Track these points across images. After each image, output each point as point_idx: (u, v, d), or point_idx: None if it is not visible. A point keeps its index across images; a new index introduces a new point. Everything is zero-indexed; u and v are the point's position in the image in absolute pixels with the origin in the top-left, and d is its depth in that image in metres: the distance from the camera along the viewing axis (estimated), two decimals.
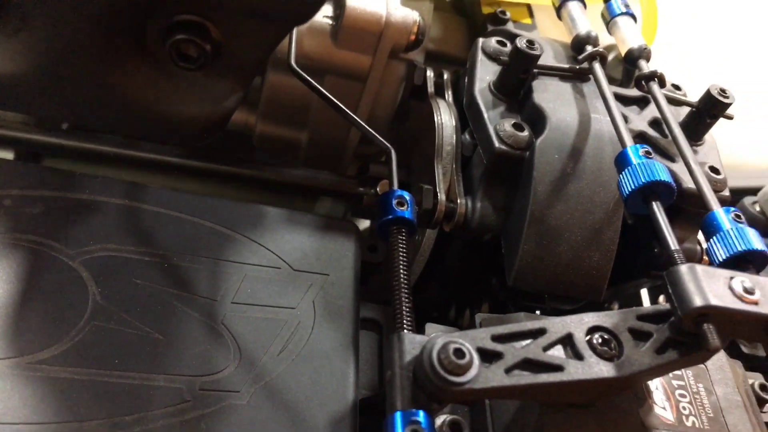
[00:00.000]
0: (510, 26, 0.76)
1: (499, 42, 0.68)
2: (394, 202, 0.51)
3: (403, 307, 0.45)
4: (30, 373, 0.47)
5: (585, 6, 0.70)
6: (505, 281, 0.60)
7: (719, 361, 0.54)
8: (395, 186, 0.54)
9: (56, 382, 0.47)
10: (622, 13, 0.70)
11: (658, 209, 0.49)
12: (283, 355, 0.54)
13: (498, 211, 0.60)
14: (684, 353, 0.44)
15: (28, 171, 0.58)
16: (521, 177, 0.59)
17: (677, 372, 0.52)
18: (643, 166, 0.50)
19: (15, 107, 0.53)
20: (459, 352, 0.39)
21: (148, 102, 0.46)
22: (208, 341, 0.52)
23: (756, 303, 0.43)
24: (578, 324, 0.45)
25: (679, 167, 0.61)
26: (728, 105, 0.64)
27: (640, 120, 0.65)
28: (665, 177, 0.50)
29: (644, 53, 0.65)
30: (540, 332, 0.43)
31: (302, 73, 0.57)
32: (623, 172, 0.51)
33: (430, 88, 0.70)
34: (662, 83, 0.63)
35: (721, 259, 0.48)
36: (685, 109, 0.68)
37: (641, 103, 0.68)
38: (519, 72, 0.61)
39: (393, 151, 0.57)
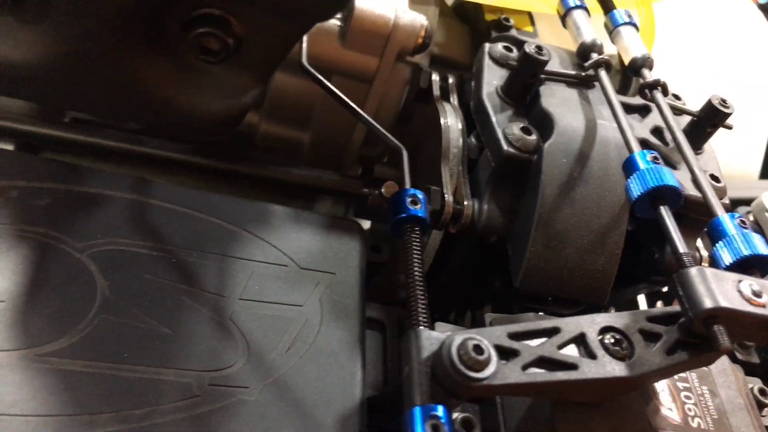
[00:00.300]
0: (514, 33, 0.77)
1: (505, 47, 0.69)
2: (408, 200, 0.52)
3: (419, 304, 0.45)
4: (38, 365, 0.46)
5: (589, 14, 0.72)
6: (509, 283, 0.60)
7: (722, 364, 0.55)
8: (408, 185, 0.55)
9: (65, 375, 0.46)
10: (625, 23, 0.71)
11: (666, 213, 0.50)
12: (291, 352, 0.54)
13: (504, 213, 0.61)
14: (693, 354, 0.45)
15: (34, 162, 0.57)
16: (528, 180, 0.60)
17: (682, 374, 0.53)
18: (651, 170, 0.51)
19: (29, 97, 0.53)
20: (478, 349, 0.39)
21: (165, 95, 0.46)
22: (216, 337, 0.52)
23: (764, 306, 0.44)
24: (590, 324, 0.45)
25: (680, 175, 0.62)
26: (728, 115, 0.65)
27: (642, 128, 0.66)
28: (673, 182, 0.51)
29: (647, 62, 0.66)
30: (554, 331, 0.44)
31: (315, 72, 0.58)
32: (631, 177, 0.52)
33: (436, 92, 0.70)
34: (665, 92, 0.64)
35: (727, 264, 0.49)
36: (685, 119, 0.69)
37: (642, 111, 0.69)
38: (527, 77, 0.62)
39: (405, 151, 0.57)
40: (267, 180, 0.72)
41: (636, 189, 0.51)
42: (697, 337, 0.45)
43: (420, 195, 0.53)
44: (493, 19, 0.79)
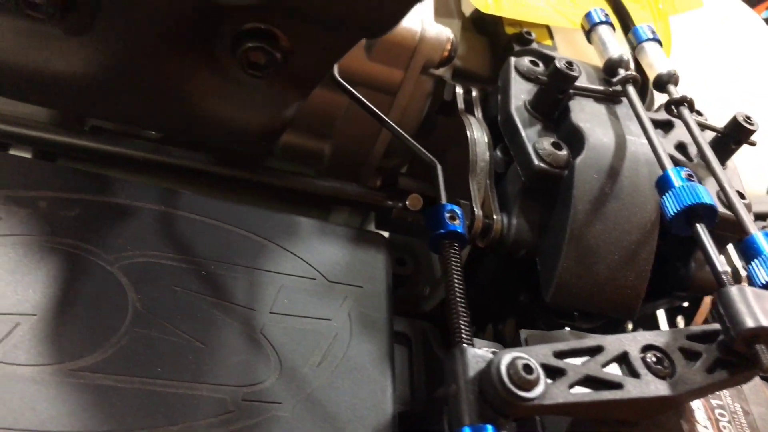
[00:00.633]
0: (535, 46, 0.77)
1: (532, 62, 0.69)
2: (447, 216, 0.51)
3: (461, 321, 0.45)
4: (72, 380, 0.45)
5: (614, 29, 0.72)
6: (536, 298, 0.60)
7: (754, 381, 0.55)
8: (443, 199, 0.54)
9: (99, 390, 0.46)
10: (649, 39, 0.71)
11: (702, 231, 0.50)
12: (323, 367, 0.53)
13: (533, 227, 0.61)
14: (733, 373, 0.45)
15: (60, 172, 0.57)
16: (558, 195, 0.59)
17: (716, 392, 0.53)
18: (687, 188, 0.51)
19: (60, 105, 0.52)
20: (528, 368, 0.39)
21: (209, 108, 0.45)
22: (248, 351, 0.52)
23: None
24: (632, 342, 0.45)
25: None
26: (753, 131, 0.66)
27: (667, 143, 0.67)
28: (709, 200, 0.51)
29: (673, 78, 0.67)
30: (598, 350, 0.44)
31: (347, 85, 0.57)
32: (667, 194, 0.52)
33: (461, 105, 0.70)
34: (692, 108, 0.65)
35: (763, 282, 0.49)
36: (708, 134, 0.69)
37: (666, 126, 0.69)
38: (556, 91, 0.62)
39: (439, 165, 0.57)
40: (286, 189, 0.71)
41: (672, 207, 0.51)
42: (736, 355, 0.45)
43: (458, 211, 0.53)
44: (515, 33, 0.79)
